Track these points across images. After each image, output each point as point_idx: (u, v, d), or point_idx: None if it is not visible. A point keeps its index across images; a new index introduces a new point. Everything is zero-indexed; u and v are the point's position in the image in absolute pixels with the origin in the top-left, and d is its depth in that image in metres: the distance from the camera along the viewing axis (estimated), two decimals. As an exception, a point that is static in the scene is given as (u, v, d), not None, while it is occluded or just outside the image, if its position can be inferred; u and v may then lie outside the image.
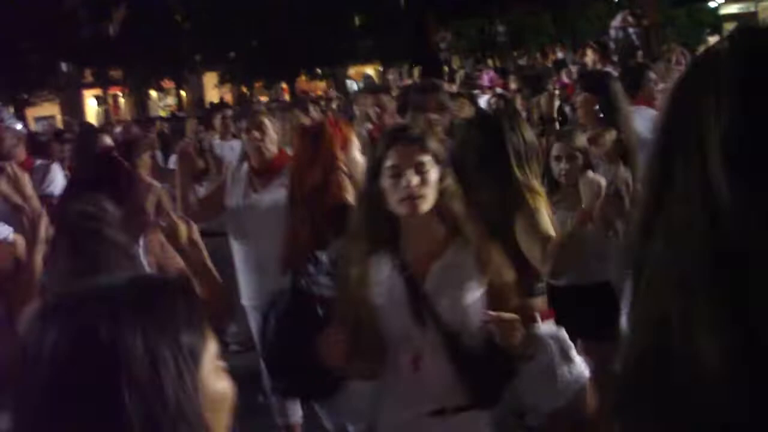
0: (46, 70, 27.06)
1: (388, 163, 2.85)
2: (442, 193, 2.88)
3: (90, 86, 33.36)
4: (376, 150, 2.97)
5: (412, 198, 2.81)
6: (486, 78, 14.19)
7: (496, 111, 3.65)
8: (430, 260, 2.88)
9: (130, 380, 1.19)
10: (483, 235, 2.97)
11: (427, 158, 2.85)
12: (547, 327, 3.45)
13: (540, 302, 3.53)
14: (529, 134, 3.64)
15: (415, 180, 2.80)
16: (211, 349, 1.29)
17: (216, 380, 1.29)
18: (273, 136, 4.82)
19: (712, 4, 30.05)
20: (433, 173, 2.86)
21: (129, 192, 3.38)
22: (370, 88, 15.62)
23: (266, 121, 4.84)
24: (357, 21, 31.10)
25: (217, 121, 8.60)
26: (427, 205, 2.84)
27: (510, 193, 3.43)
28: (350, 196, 3.99)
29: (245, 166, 4.96)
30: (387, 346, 2.86)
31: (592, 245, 3.58)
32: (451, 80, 18.19)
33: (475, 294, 2.87)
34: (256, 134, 4.76)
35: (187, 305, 1.30)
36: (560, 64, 17.01)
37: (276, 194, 4.64)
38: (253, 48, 28.58)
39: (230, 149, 7.79)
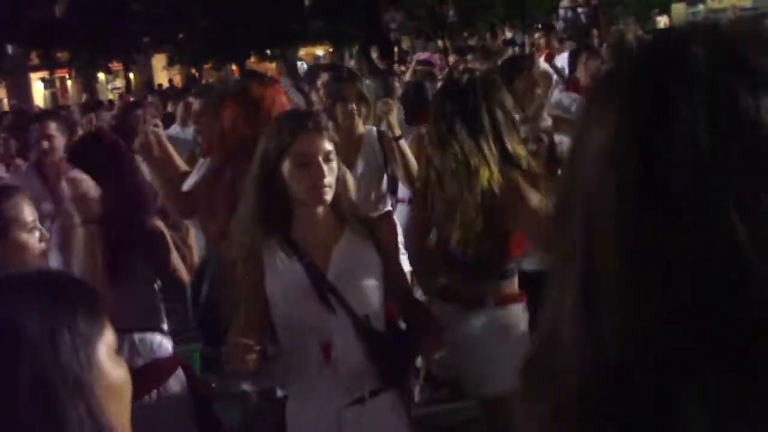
0: (-10, 52, 26.62)
1: (296, 150, 2.75)
2: (337, 182, 2.83)
3: (36, 69, 32.82)
4: (277, 136, 2.82)
5: (321, 187, 2.75)
6: (421, 56, 14.11)
7: (470, 79, 3.40)
8: (328, 247, 2.84)
9: (26, 344, 1.23)
10: (375, 219, 3.02)
11: (331, 147, 2.79)
12: (514, 310, 3.46)
13: (509, 284, 3.50)
14: (508, 101, 3.54)
15: (326, 169, 2.74)
16: (108, 339, 1.34)
17: (114, 367, 1.34)
18: None
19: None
20: (335, 162, 2.80)
21: (131, 174, 3.36)
22: (325, 64, 15.35)
23: None
24: (307, 1, 30.94)
25: (179, 108, 8.23)
26: (332, 194, 2.79)
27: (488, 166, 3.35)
28: None
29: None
30: (291, 336, 2.84)
31: None
32: (402, 61, 18.22)
33: (376, 276, 2.88)
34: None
35: (85, 297, 1.36)
36: (510, 44, 17.11)
37: None
38: (202, 29, 28.26)
39: (191, 136, 7.25)
